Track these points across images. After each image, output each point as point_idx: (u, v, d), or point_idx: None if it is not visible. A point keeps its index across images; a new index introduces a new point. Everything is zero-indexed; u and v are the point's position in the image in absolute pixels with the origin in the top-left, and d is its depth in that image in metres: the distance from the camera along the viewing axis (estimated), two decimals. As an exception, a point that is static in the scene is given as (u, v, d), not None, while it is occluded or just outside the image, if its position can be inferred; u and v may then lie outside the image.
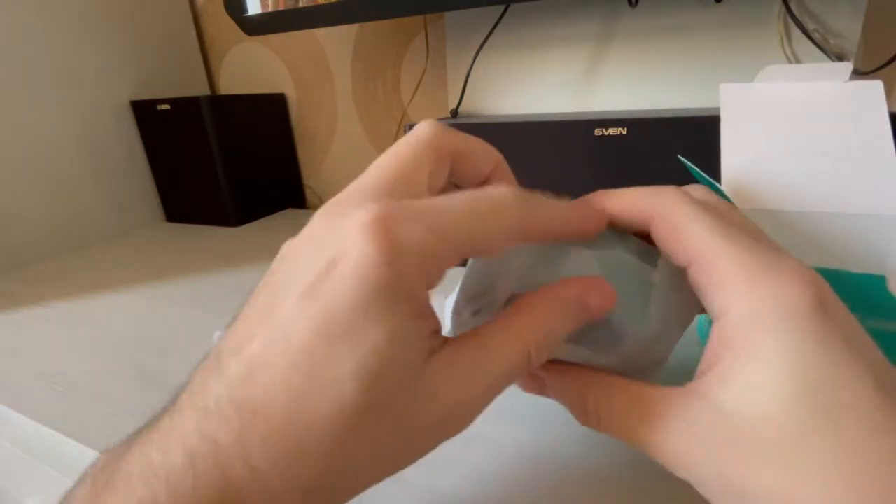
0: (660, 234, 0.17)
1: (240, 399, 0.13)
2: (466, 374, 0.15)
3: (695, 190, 0.19)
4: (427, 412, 0.14)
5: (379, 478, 0.16)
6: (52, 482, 0.35)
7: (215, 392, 0.14)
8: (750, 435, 0.13)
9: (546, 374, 0.19)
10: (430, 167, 0.17)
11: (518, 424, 0.27)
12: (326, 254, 0.14)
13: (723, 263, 0.15)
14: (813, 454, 0.12)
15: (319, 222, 0.15)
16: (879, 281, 0.21)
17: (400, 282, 0.13)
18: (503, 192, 0.16)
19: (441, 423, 0.15)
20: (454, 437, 0.27)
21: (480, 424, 0.27)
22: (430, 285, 0.15)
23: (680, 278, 0.17)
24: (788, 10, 0.44)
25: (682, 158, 0.26)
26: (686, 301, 0.18)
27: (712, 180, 0.24)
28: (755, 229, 0.17)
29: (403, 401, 0.14)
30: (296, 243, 0.16)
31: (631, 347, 0.18)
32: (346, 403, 0.13)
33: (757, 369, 0.13)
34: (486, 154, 0.19)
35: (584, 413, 0.18)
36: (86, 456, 0.29)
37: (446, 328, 0.20)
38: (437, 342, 0.15)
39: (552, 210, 0.17)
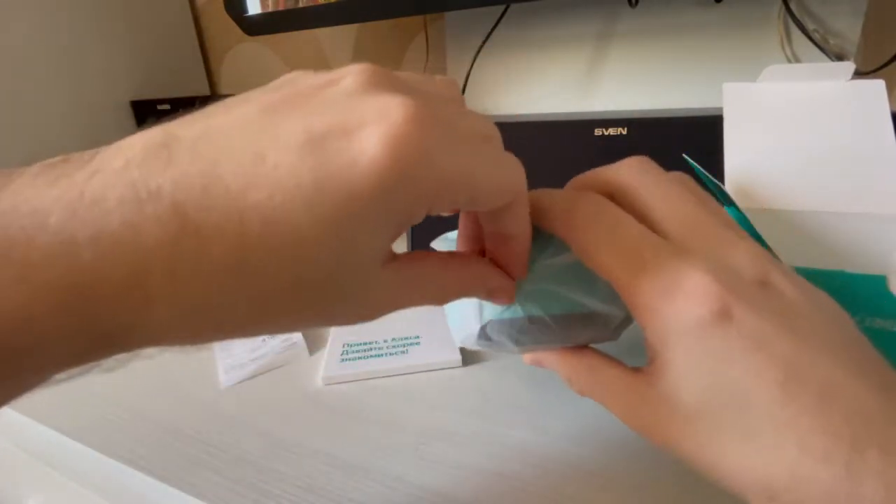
0: (577, 252, 0.18)
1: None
2: (402, 290, 0.16)
3: (629, 169, 0.20)
4: (364, 300, 0.15)
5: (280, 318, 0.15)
6: (52, 482, 0.35)
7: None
8: (684, 421, 0.16)
9: (542, 356, 0.22)
10: None
11: (518, 424, 0.27)
12: (355, 109, 0.13)
13: (630, 288, 0.17)
14: (729, 445, 0.15)
15: (353, 76, 0.14)
16: (880, 281, 0.21)
17: (402, 195, 0.13)
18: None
19: (360, 309, 0.16)
20: (454, 438, 0.27)
21: (481, 424, 0.28)
22: (429, 212, 0.15)
23: None
24: (788, 10, 0.44)
25: (687, 158, 0.26)
26: None
27: (715, 180, 0.24)
28: (668, 223, 0.18)
29: (355, 286, 0.15)
30: (313, 77, 0.15)
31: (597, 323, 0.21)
32: (308, 238, 0.13)
33: (675, 376, 0.16)
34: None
35: (570, 382, 0.21)
36: (86, 456, 0.29)
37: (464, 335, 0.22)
38: (391, 254, 0.16)
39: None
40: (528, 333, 0.20)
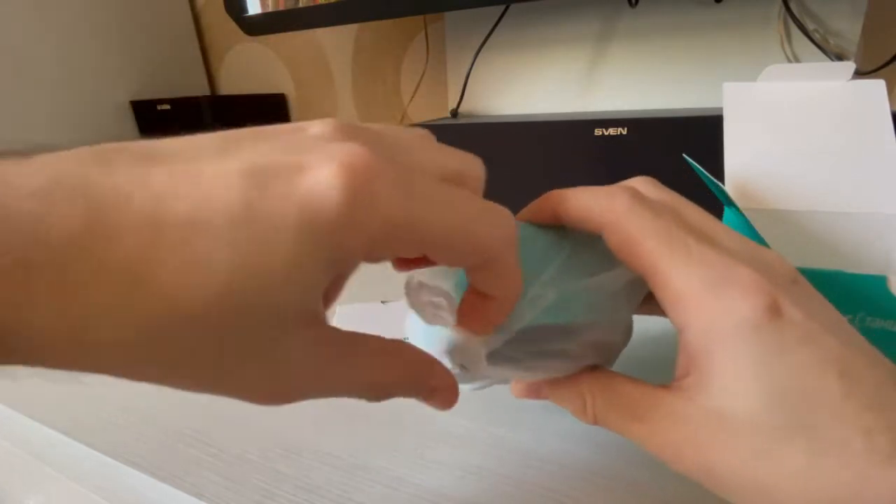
0: (614, 245, 0.17)
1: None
2: (326, 368, 0.15)
3: (643, 185, 0.19)
4: (275, 364, 0.13)
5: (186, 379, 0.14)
6: (52, 482, 0.35)
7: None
8: (728, 436, 0.14)
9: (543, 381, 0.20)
10: None
11: (519, 425, 0.27)
12: (309, 152, 0.12)
13: (676, 281, 0.15)
14: (788, 453, 0.13)
15: (319, 126, 0.14)
16: (881, 281, 0.21)
17: (343, 236, 0.12)
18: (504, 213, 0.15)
19: (274, 383, 0.14)
20: (454, 438, 0.27)
21: (481, 424, 0.28)
22: (369, 259, 0.14)
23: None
24: (788, 10, 0.44)
25: (687, 158, 0.26)
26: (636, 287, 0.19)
27: (715, 180, 0.24)
28: (710, 229, 0.17)
29: (268, 336, 0.13)
30: (286, 125, 0.14)
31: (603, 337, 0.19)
32: (219, 286, 0.11)
33: (725, 382, 0.15)
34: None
35: (582, 411, 0.19)
36: (86, 456, 0.29)
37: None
38: (323, 316, 0.15)
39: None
40: (525, 349, 0.18)
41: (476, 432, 0.27)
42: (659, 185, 0.19)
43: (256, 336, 0.13)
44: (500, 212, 0.15)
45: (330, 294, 0.14)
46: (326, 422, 0.29)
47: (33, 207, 0.11)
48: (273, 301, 0.12)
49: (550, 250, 0.19)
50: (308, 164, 0.12)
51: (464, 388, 0.20)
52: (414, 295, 0.18)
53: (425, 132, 0.17)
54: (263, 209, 0.12)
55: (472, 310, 0.17)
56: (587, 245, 0.19)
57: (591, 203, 0.18)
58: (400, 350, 0.16)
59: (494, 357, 0.18)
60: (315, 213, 0.12)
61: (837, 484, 0.13)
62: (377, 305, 0.39)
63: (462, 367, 0.19)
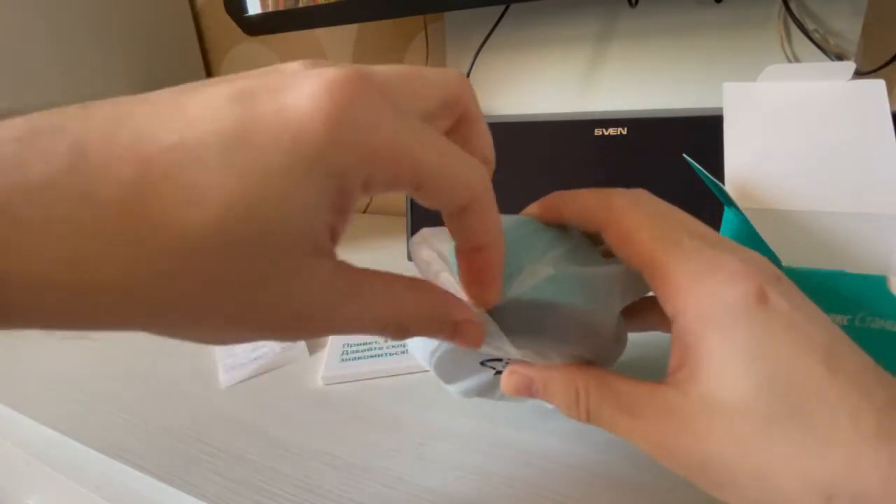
0: (612, 239, 0.18)
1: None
2: (344, 300, 0.14)
3: (641, 193, 0.19)
4: (286, 297, 0.13)
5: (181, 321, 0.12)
6: (52, 482, 0.35)
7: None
8: (723, 425, 0.14)
9: (535, 373, 0.20)
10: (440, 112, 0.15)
11: (519, 424, 0.27)
12: (294, 75, 0.12)
13: (669, 269, 0.16)
14: (781, 437, 0.14)
15: (292, 63, 0.14)
16: (880, 281, 0.21)
17: (333, 153, 0.12)
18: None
19: (289, 318, 0.13)
20: (454, 438, 0.27)
21: (481, 424, 0.28)
22: (367, 189, 0.13)
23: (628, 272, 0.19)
24: (788, 10, 0.44)
25: (687, 158, 0.26)
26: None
27: (715, 180, 0.24)
28: (700, 228, 0.18)
29: (273, 266, 0.12)
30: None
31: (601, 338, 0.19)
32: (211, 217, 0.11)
33: (716, 367, 0.15)
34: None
35: (574, 407, 0.19)
36: (86, 456, 0.29)
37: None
38: (332, 250, 0.14)
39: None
40: (519, 320, 0.18)
41: (476, 432, 0.27)
42: (655, 197, 0.20)
43: (261, 265, 0.12)
44: (476, 161, 0.15)
45: (336, 230, 0.14)
46: (326, 422, 0.29)
47: (13, 150, 0.10)
48: (273, 227, 0.11)
49: (554, 241, 0.20)
50: (293, 83, 0.12)
51: (450, 390, 0.20)
52: (416, 250, 0.19)
53: (408, 68, 0.16)
54: (253, 128, 0.11)
55: (473, 270, 0.17)
56: (587, 244, 0.21)
57: (591, 202, 0.19)
58: (420, 285, 0.16)
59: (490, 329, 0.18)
60: (301, 127, 0.11)
61: (830, 463, 0.13)
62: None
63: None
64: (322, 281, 0.13)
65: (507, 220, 0.20)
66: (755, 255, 0.17)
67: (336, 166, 0.12)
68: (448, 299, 0.17)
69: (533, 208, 0.21)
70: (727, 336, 0.15)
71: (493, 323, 0.18)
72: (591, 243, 0.21)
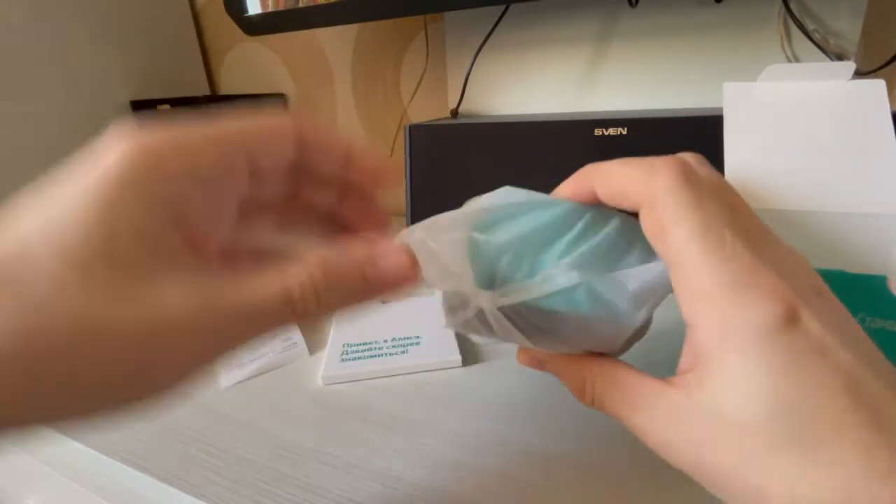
0: (646, 227, 0.17)
1: None
2: (195, 290, 0.14)
3: (693, 159, 0.18)
4: (134, 310, 0.13)
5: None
6: (52, 482, 0.35)
7: None
8: (724, 436, 0.14)
9: (547, 357, 0.20)
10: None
11: (519, 424, 0.27)
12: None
13: (697, 277, 0.15)
14: (785, 460, 0.13)
15: None
16: (880, 281, 0.21)
17: (140, 177, 0.13)
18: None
19: (148, 337, 0.13)
20: (454, 437, 0.27)
21: (481, 424, 0.28)
22: (201, 175, 0.15)
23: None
24: (788, 10, 0.44)
25: None
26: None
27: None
28: (747, 221, 0.17)
29: (115, 281, 0.13)
30: None
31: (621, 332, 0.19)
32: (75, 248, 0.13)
33: (729, 383, 0.14)
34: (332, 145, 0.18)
35: (581, 393, 0.19)
36: (86, 456, 0.29)
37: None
38: (190, 254, 0.14)
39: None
40: (531, 321, 0.18)
41: (476, 432, 0.27)
42: (707, 162, 0.18)
43: (105, 295, 0.13)
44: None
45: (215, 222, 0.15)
46: (326, 422, 0.29)
47: None
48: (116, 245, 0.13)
49: (583, 231, 0.18)
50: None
51: (477, 339, 0.19)
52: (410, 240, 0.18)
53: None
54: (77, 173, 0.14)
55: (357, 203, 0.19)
56: (627, 227, 0.19)
57: (628, 179, 0.17)
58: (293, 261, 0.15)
59: (497, 316, 0.18)
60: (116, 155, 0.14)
61: (829, 496, 0.13)
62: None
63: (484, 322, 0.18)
64: (169, 280, 0.14)
65: (532, 201, 0.19)
66: (798, 264, 0.16)
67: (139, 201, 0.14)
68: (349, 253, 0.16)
69: (564, 188, 0.19)
70: (747, 357, 0.14)
71: (505, 319, 0.18)
72: (632, 224, 0.19)
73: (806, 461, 0.13)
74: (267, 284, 0.14)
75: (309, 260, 0.15)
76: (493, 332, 0.19)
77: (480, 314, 0.18)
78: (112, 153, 0.14)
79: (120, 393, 0.14)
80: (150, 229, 0.14)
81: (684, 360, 0.16)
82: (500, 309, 0.18)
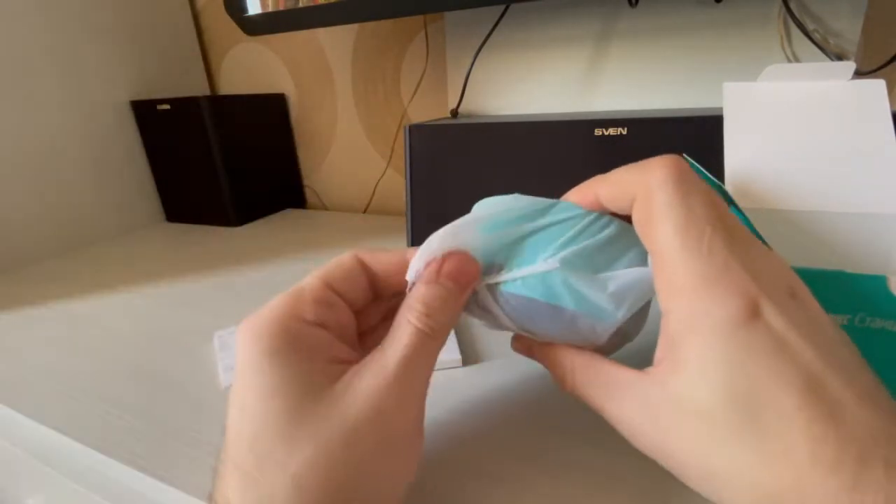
0: (636, 217, 0.18)
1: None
2: (370, 373, 0.18)
3: (678, 169, 0.18)
4: (350, 416, 0.17)
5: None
6: (52, 482, 0.35)
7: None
8: (686, 423, 0.15)
9: (535, 345, 0.22)
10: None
11: (519, 424, 0.27)
12: None
13: (674, 270, 0.16)
14: (737, 448, 0.14)
15: None
16: (880, 281, 0.21)
17: (257, 348, 0.18)
18: None
19: (374, 425, 0.18)
20: (454, 437, 0.27)
21: (481, 424, 0.28)
22: (322, 317, 0.20)
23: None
24: (788, 10, 0.44)
25: (687, 158, 0.27)
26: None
27: (715, 180, 0.24)
28: (728, 221, 0.17)
29: (317, 414, 0.17)
30: None
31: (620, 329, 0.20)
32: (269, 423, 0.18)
33: (692, 373, 0.15)
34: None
35: (562, 381, 0.21)
36: (86, 456, 0.29)
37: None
38: (342, 367, 0.19)
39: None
40: (516, 307, 0.20)
41: (476, 432, 0.27)
42: (692, 172, 0.19)
43: (321, 426, 0.18)
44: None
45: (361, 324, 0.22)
46: (326, 422, 0.28)
47: None
48: (286, 401, 0.18)
49: (580, 232, 0.20)
50: None
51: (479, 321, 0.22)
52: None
53: None
54: None
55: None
56: (625, 234, 0.20)
57: (626, 176, 0.19)
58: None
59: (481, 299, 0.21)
60: (243, 360, 0.19)
61: (779, 484, 0.14)
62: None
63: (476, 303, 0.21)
64: (348, 384, 0.19)
65: (542, 205, 0.21)
66: (775, 266, 0.16)
67: (273, 364, 0.19)
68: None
69: (570, 196, 0.21)
70: (706, 347, 0.15)
71: (494, 302, 0.21)
72: (630, 232, 0.20)
73: (758, 450, 0.14)
74: (402, 336, 0.19)
75: (410, 304, 0.20)
76: (486, 314, 0.21)
77: (475, 296, 0.21)
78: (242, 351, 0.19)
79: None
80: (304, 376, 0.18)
81: (659, 351, 0.17)
82: (488, 288, 0.20)
